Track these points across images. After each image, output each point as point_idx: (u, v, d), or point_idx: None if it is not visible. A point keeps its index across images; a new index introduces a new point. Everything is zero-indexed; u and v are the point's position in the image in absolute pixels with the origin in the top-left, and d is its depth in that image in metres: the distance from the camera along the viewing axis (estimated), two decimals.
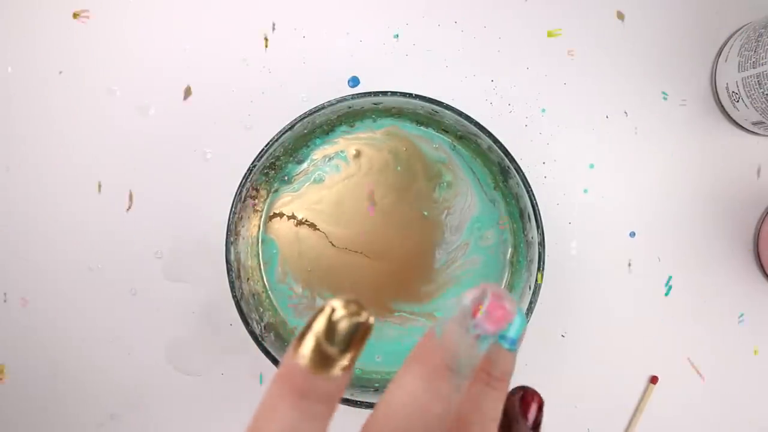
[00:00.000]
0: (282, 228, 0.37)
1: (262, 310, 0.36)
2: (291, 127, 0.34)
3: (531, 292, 0.34)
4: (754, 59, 0.34)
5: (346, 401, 0.33)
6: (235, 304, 0.34)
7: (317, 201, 0.37)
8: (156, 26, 0.39)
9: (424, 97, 0.34)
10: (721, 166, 0.39)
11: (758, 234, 0.39)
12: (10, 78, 0.39)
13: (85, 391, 0.39)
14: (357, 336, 0.15)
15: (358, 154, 0.37)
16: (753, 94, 0.35)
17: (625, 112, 0.40)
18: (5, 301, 0.39)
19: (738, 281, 0.39)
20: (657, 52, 0.39)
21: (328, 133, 0.37)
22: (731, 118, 0.39)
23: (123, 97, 0.39)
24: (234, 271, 0.34)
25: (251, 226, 0.37)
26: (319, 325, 0.15)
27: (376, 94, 0.34)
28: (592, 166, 0.39)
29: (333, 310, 0.15)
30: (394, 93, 0.34)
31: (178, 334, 0.39)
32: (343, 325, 0.15)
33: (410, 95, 0.34)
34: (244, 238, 0.36)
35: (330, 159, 0.37)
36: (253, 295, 0.36)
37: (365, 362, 0.37)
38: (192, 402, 0.39)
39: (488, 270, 0.37)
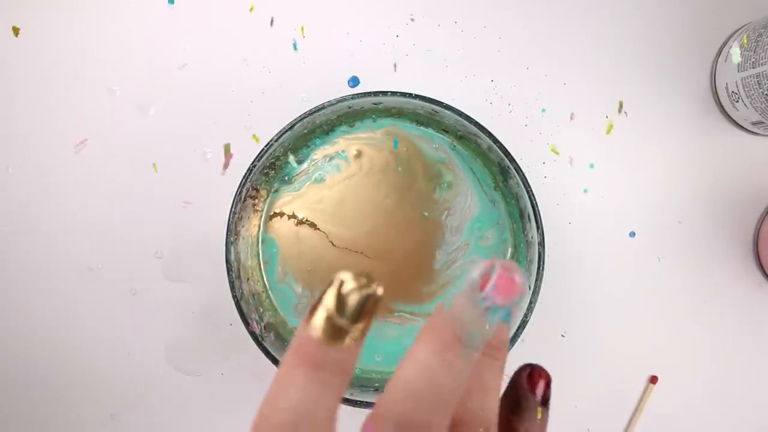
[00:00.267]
0: (282, 227, 0.37)
1: (262, 310, 0.36)
2: (291, 127, 0.34)
3: (531, 292, 0.34)
4: (754, 59, 0.34)
5: (346, 401, 0.33)
6: (235, 304, 0.34)
7: (318, 201, 0.37)
8: (156, 26, 0.39)
9: (424, 97, 0.34)
10: (721, 166, 0.39)
11: (758, 234, 0.39)
12: (11, 78, 0.39)
13: (85, 391, 0.39)
14: (366, 307, 0.16)
15: (359, 154, 0.37)
16: (753, 94, 0.35)
17: (625, 112, 0.40)
18: (5, 300, 0.39)
19: (738, 281, 0.39)
20: (657, 52, 0.39)
21: (328, 133, 0.37)
22: (731, 118, 0.39)
23: (123, 97, 0.39)
24: (234, 271, 0.34)
25: (251, 226, 0.37)
26: (330, 297, 0.16)
27: (376, 94, 0.34)
28: (592, 166, 0.39)
29: (342, 283, 0.16)
30: (394, 93, 0.34)
31: (178, 334, 0.39)
32: (352, 298, 0.16)
33: (410, 95, 0.34)
34: (244, 238, 0.36)
35: (331, 159, 0.37)
36: (253, 295, 0.36)
37: (365, 362, 0.37)
38: (192, 402, 0.39)
39: None
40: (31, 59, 0.40)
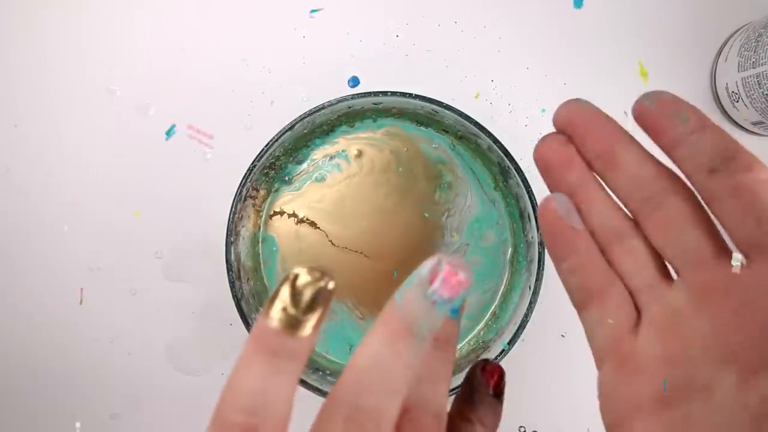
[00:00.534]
0: (282, 226, 0.37)
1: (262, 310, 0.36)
2: (291, 127, 0.34)
3: (531, 292, 0.34)
4: (754, 59, 0.34)
5: None
6: (236, 304, 0.34)
7: (318, 200, 0.37)
8: (156, 26, 0.39)
9: (424, 97, 0.34)
10: None
11: None
12: (11, 78, 0.40)
13: (85, 391, 0.39)
14: (319, 300, 0.17)
15: (359, 154, 0.37)
16: (753, 94, 0.35)
17: (625, 112, 0.39)
18: (5, 300, 0.39)
19: None
20: (657, 52, 0.39)
21: (328, 133, 0.37)
22: (731, 118, 0.39)
23: (123, 97, 0.39)
24: (234, 271, 0.34)
25: (251, 226, 0.37)
26: (285, 291, 0.17)
27: (376, 94, 0.34)
28: None
29: (297, 277, 0.17)
30: (394, 93, 0.34)
31: (178, 334, 0.39)
32: (306, 291, 0.17)
33: (410, 95, 0.34)
34: (244, 238, 0.36)
35: (331, 158, 0.37)
36: (254, 295, 0.36)
37: None
38: (192, 402, 0.39)
39: (488, 270, 0.37)
40: (32, 59, 0.40)
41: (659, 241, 0.19)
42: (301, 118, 0.34)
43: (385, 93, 0.34)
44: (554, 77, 0.39)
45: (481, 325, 0.37)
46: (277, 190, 0.37)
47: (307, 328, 0.17)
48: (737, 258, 0.18)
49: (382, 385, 0.17)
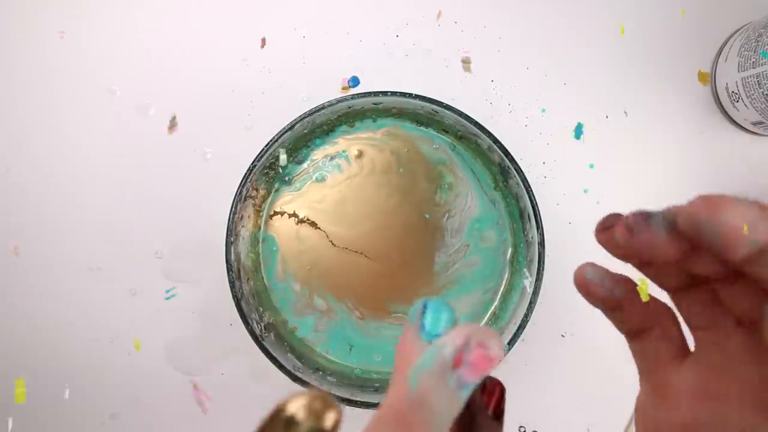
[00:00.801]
0: (283, 226, 0.37)
1: (262, 310, 0.36)
2: (291, 127, 0.34)
3: (531, 292, 0.34)
4: (754, 59, 0.34)
5: (347, 401, 0.33)
6: (235, 304, 0.34)
7: (319, 200, 0.37)
8: (156, 27, 0.39)
9: (424, 97, 0.34)
10: (721, 166, 0.39)
11: None
12: (12, 78, 0.39)
13: (85, 391, 0.39)
14: None
15: (360, 155, 0.37)
16: (753, 94, 0.35)
17: (625, 112, 0.40)
18: (5, 300, 0.39)
19: None
20: (657, 52, 0.39)
21: (328, 133, 0.37)
22: (731, 118, 0.39)
23: (123, 97, 0.39)
24: (234, 271, 0.34)
25: (251, 226, 0.37)
26: (276, 429, 0.14)
27: (376, 94, 0.34)
28: (592, 166, 0.39)
29: (293, 414, 0.14)
30: (394, 93, 0.34)
31: (178, 334, 0.39)
32: None
33: (410, 95, 0.34)
34: (244, 238, 0.36)
35: (332, 158, 0.37)
36: (254, 295, 0.36)
37: (364, 362, 0.37)
38: (192, 402, 0.39)
39: (488, 270, 0.37)
40: (32, 59, 0.40)
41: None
42: (301, 118, 0.34)
43: (385, 93, 0.34)
44: (554, 77, 0.39)
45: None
46: (277, 191, 0.37)
47: None
48: None
49: None
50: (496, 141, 0.34)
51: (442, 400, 0.15)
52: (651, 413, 0.20)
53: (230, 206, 0.34)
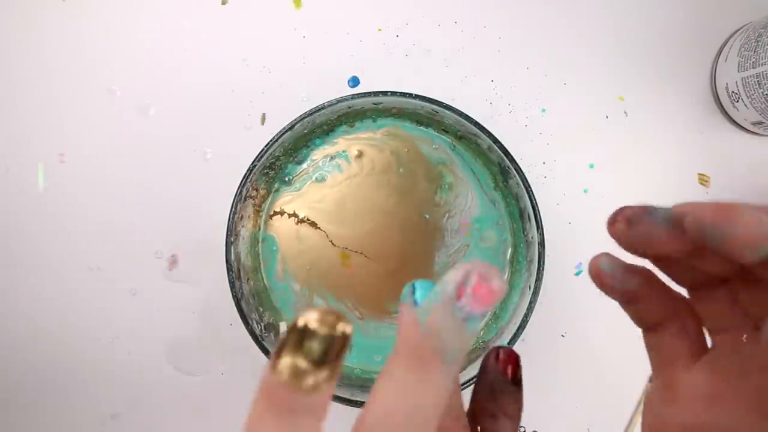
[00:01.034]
0: (283, 226, 0.37)
1: (262, 310, 0.36)
2: (291, 127, 0.34)
3: (531, 292, 0.34)
4: (754, 59, 0.34)
5: (347, 401, 0.33)
6: (235, 304, 0.34)
7: (319, 200, 0.37)
8: (156, 26, 0.39)
9: (424, 97, 0.34)
10: (721, 166, 0.39)
11: None
12: (12, 78, 0.39)
13: (85, 391, 0.39)
14: (333, 350, 0.15)
15: (360, 155, 0.37)
16: (753, 94, 0.35)
17: (625, 112, 0.40)
18: (5, 300, 0.39)
19: None
20: (657, 52, 0.39)
21: (328, 133, 0.37)
22: (731, 118, 0.39)
23: (123, 97, 0.39)
24: (234, 271, 0.34)
25: (251, 226, 0.37)
26: (292, 340, 0.15)
27: (376, 94, 0.34)
28: (592, 166, 0.39)
29: (306, 324, 0.15)
30: (394, 93, 0.34)
31: (178, 334, 0.39)
32: (317, 340, 0.15)
33: (410, 95, 0.34)
34: (244, 238, 0.36)
35: (332, 158, 0.37)
36: (254, 295, 0.36)
37: (364, 362, 0.37)
38: (192, 402, 0.39)
39: None
40: (32, 59, 0.40)
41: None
42: (301, 118, 0.34)
43: (385, 93, 0.34)
44: (554, 77, 0.39)
45: (481, 325, 0.37)
46: (277, 190, 0.37)
47: (322, 381, 0.15)
48: None
49: (413, 423, 0.15)
50: (496, 141, 0.34)
51: (450, 331, 0.16)
52: (658, 410, 0.19)
53: (230, 206, 0.34)
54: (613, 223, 0.19)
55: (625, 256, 0.20)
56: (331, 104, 0.34)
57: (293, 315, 0.37)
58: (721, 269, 0.18)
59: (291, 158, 0.37)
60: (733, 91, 0.37)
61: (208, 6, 0.39)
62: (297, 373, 0.15)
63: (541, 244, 0.34)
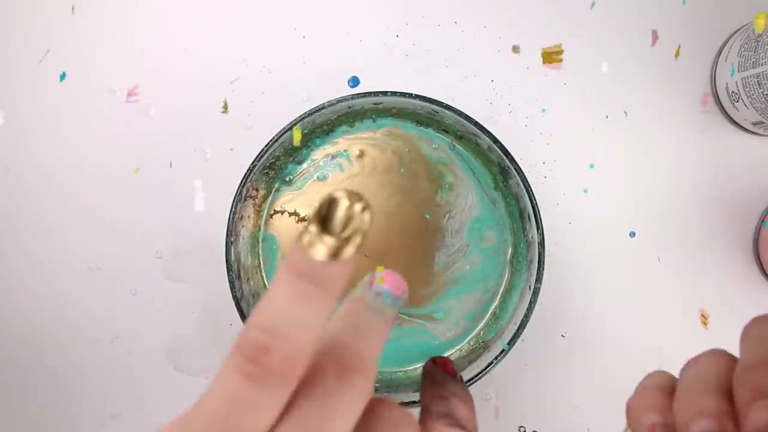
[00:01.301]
0: (283, 225, 0.37)
1: None
2: (291, 127, 0.34)
3: (531, 292, 0.34)
4: (754, 59, 0.34)
5: None
6: (235, 304, 0.34)
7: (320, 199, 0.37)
8: (156, 26, 0.39)
9: (424, 97, 0.34)
10: (721, 166, 0.39)
11: (758, 234, 0.39)
12: (12, 78, 0.39)
13: (85, 391, 0.39)
14: (352, 222, 0.16)
15: (361, 154, 0.37)
16: (753, 94, 0.35)
17: (625, 112, 0.40)
18: (5, 300, 0.39)
19: (738, 281, 0.39)
20: (656, 52, 0.39)
21: (328, 133, 0.37)
22: (731, 118, 0.39)
23: (123, 97, 0.39)
24: (234, 271, 0.34)
25: (251, 226, 0.37)
26: (318, 213, 0.16)
27: (376, 94, 0.34)
28: (592, 166, 0.39)
29: (333, 200, 0.16)
30: (394, 93, 0.34)
31: (178, 334, 0.39)
32: (339, 213, 0.16)
33: (410, 95, 0.34)
34: (244, 238, 0.36)
35: (333, 157, 0.37)
36: (254, 294, 0.36)
37: None
38: (192, 402, 0.39)
39: (488, 270, 0.37)
40: (32, 59, 0.40)
41: None
42: (301, 118, 0.34)
43: (385, 93, 0.34)
44: (554, 77, 0.39)
45: (481, 325, 0.37)
46: (277, 190, 0.37)
47: (338, 251, 0.16)
48: None
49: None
50: (496, 141, 0.34)
51: (371, 299, 0.20)
52: None
53: (230, 206, 0.34)
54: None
55: None
56: (331, 104, 0.34)
57: None
58: None
59: (291, 158, 0.37)
60: (733, 91, 0.37)
61: (209, 5, 0.39)
62: (313, 241, 0.16)
63: (541, 244, 0.34)
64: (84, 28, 0.40)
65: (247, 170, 0.34)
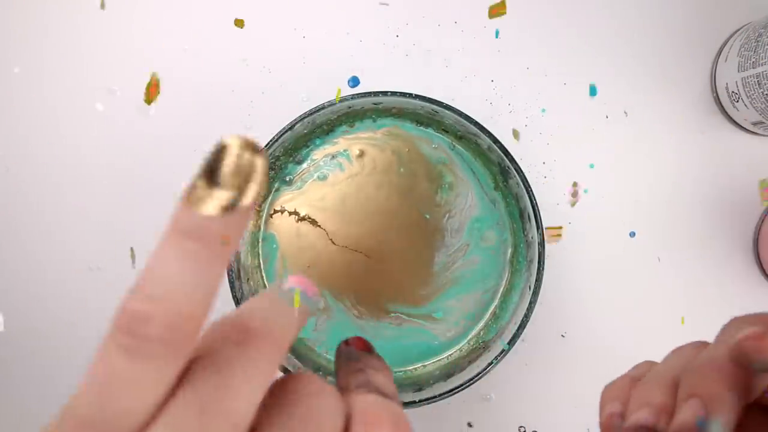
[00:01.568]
0: (283, 224, 0.37)
1: None
2: (291, 127, 0.34)
3: (531, 292, 0.34)
4: (754, 59, 0.34)
5: None
6: (235, 304, 0.34)
7: (320, 198, 0.37)
8: (156, 26, 0.39)
9: (424, 97, 0.34)
10: (721, 166, 0.39)
11: (758, 234, 0.39)
12: (14, 78, 0.40)
13: None
14: (243, 171, 0.14)
15: (361, 154, 0.37)
16: (753, 94, 0.35)
17: (625, 112, 0.40)
18: (5, 301, 0.39)
19: (738, 281, 0.39)
20: (657, 52, 0.39)
21: (328, 133, 0.37)
22: (731, 118, 0.39)
23: (123, 97, 0.39)
24: (234, 271, 0.34)
25: (252, 226, 0.37)
26: (206, 163, 0.14)
27: (376, 94, 0.34)
28: (592, 166, 0.39)
29: (222, 147, 0.14)
30: (394, 93, 0.34)
31: None
32: (228, 161, 0.14)
33: (410, 95, 0.34)
34: (244, 238, 0.36)
35: (333, 157, 0.37)
36: (254, 294, 0.36)
37: None
38: None
39: (488, 270, 0.37)
40: (32, 59, 0.40)
41: None
42: (301, 118, 0.34)
43: (385, 93, 0.34)
44: (554, 77, 0.39)
45: (481, 325, 0.37)
46: (277, 190, 0.37)
47: (233, 207, 0.14)
48: None
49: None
50: (496, 141, 0.34)
51: (282, 292, 0.19)
52: None
53: None
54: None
55: None
56: (331, 104, 0.34)
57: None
58: None
59: (291, 158, 0.37)
60: (733, 91, 0.37)
61: (208, 6, 0.39)
62: (201, 197, 0.14)
63: (541, 244, 0.34)
64: (84, 28, 0.40)
65: None
